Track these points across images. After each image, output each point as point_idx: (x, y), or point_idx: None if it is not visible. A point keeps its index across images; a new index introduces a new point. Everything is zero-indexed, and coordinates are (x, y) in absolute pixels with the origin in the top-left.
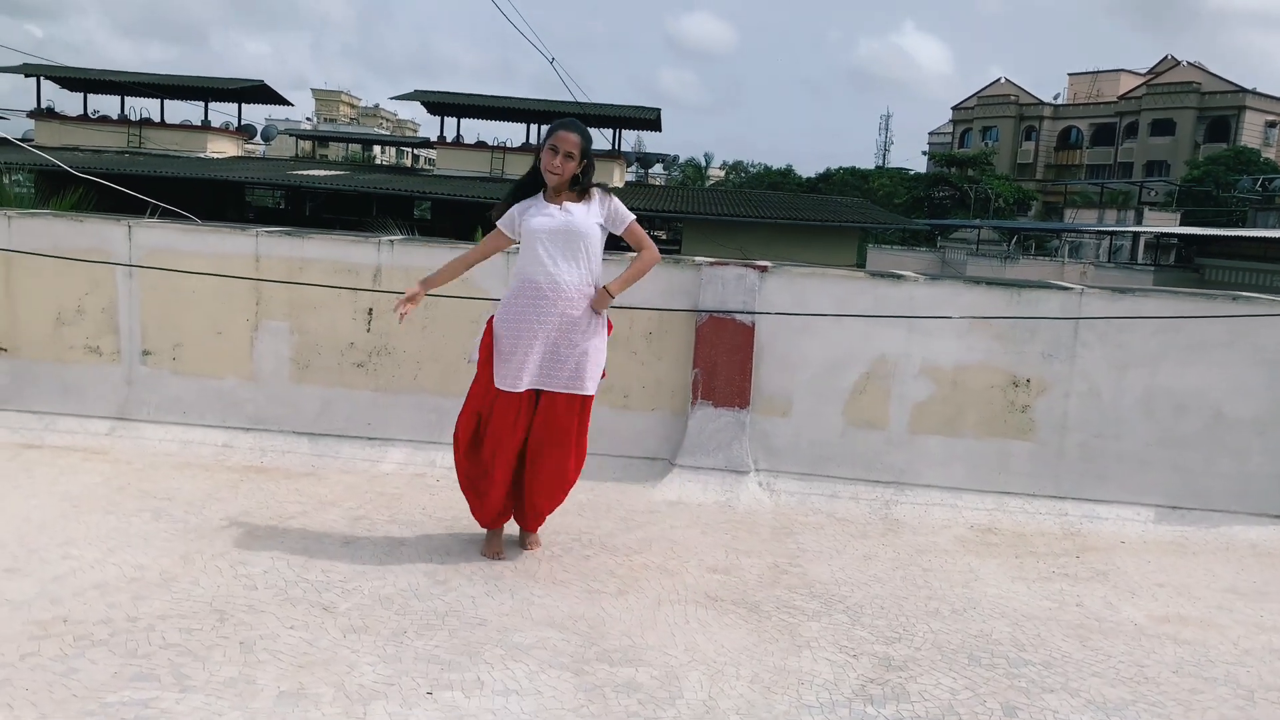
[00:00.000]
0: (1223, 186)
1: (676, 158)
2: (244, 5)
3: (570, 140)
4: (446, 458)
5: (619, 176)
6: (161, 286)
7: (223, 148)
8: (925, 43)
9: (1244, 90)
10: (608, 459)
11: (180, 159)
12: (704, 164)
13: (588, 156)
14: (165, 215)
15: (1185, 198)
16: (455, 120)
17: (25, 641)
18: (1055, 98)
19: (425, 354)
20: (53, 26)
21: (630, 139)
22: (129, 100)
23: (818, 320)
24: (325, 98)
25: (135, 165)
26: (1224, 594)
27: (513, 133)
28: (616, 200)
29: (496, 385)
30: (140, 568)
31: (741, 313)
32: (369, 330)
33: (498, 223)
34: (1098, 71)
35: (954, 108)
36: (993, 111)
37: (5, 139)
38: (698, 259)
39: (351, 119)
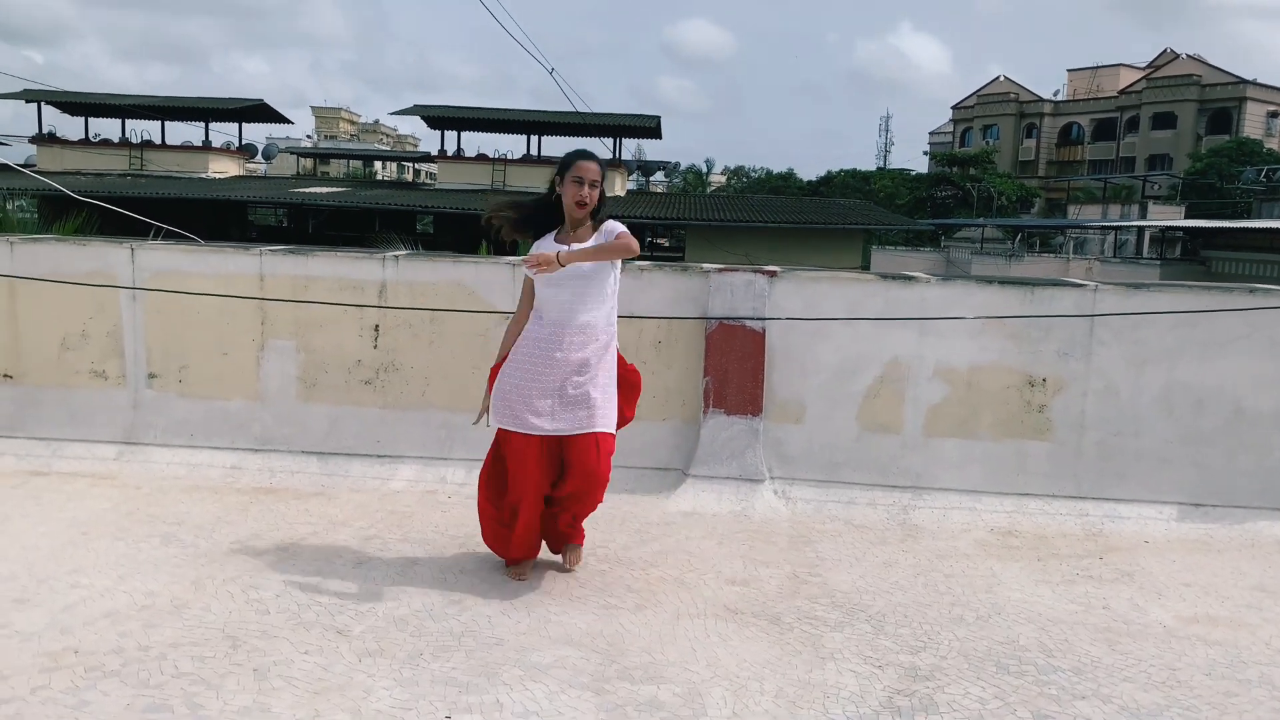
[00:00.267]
0: (1226, 178)
1: (677, 165)
2: (242, 25)
3: (593, 170)
4: (457, 474)
5: (620, 185)
6: (166, 308)
7: (224, 167)
8: (923, 43)
9: (1244, 81)
10: (619, 470)
11: (182, 180)
12: (705, 170)
13: (602, 189)
14: (168, 237)
15: (1189, 190)
16: (455, 134)
17: (36, 674)
18: (1055, 94)
19: (433, 370)
20: (52, 52)
21: (630, 147)
22: (130, 123)
23: (829, 324)
24: (325, 115)
25: (138, 187)
26: (1252, 592)
27: (513, 144)
28: (620, 226)
29: (492, 422)
30: (151, 595)
31: (751, 319)
32: (376, 347)
33: (526, 272)
34: (1097, 67)
35: (954, 107)
36: (993, 110)
37: (7, 165)
38: (705, 266)
39: (352, 135)
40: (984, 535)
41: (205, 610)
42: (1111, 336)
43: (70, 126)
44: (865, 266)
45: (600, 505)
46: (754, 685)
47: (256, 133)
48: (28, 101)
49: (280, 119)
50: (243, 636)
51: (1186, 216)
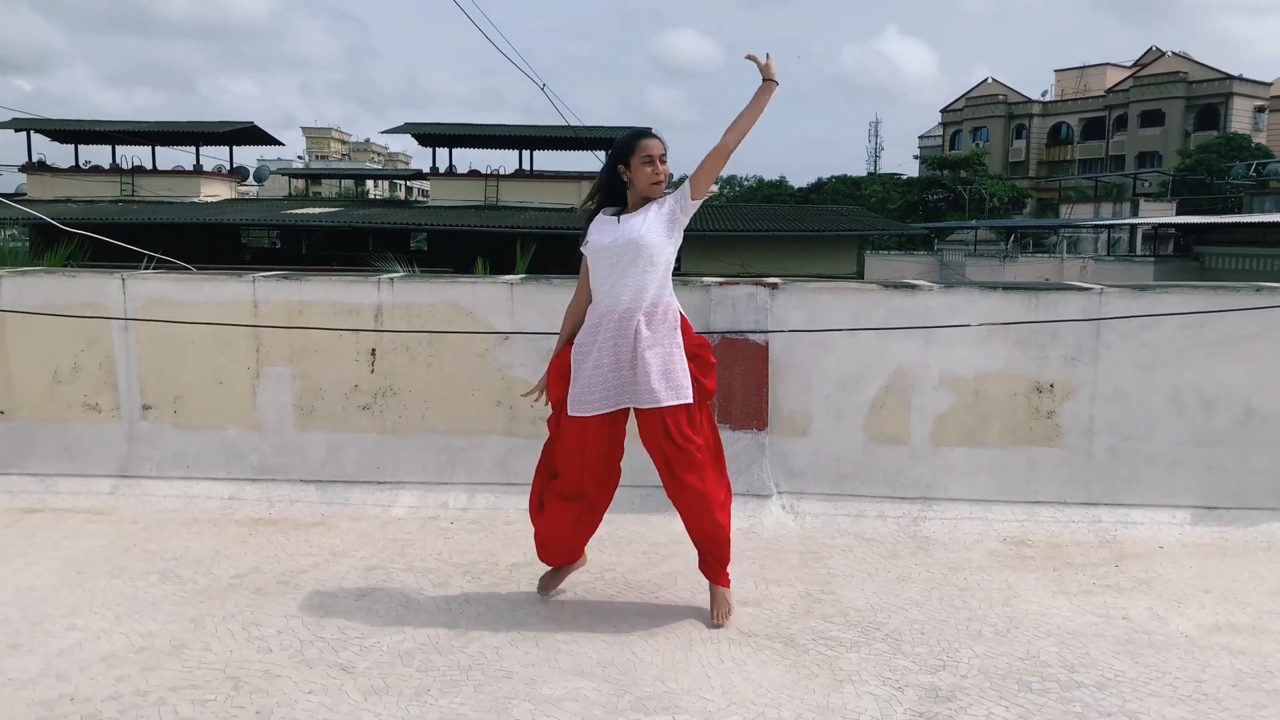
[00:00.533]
0: (1216, 174)
1: (671, 176)
2: (230, 48)
3: (659, 145)
4: (459, 499)
5: None
6: (159, 338)
7: (216, 191)
8: (908, 47)
9: (1230, 77)
10: (625, 489)
11: (174, 204)
12: None
13: None
14: (160, 265)
15: (1180, 187)
16: (447, 151)
17: None
18: (1043, 95)
19: (432, 393)
20: (41, 80)
21: None
22: (120, 149)
23: (832, 335)
24: (316, 135)
25: (129, 214)
26: (1273, 597)
27: (504, 160)
28: (670, 194)
29: (576, 414)
30: (149, 635)
31: (754, 332)
32: (373, 371)
33: (582, 250)
34: (1084, 66)
35: (943, 110)
36: (982, 112)
37: None
38: (706, 279)
39: (343, 155)
40: (997, 545)
41: (205, 650)
42: (1118, 339)
43: (60, 154)
44: (859, 272)
45: (606, 525)
46: (771, 712)
47: (247, 155)
48: (17, 130)
49: (271, 141)
50: (244, 677)
51: (1178, 213)
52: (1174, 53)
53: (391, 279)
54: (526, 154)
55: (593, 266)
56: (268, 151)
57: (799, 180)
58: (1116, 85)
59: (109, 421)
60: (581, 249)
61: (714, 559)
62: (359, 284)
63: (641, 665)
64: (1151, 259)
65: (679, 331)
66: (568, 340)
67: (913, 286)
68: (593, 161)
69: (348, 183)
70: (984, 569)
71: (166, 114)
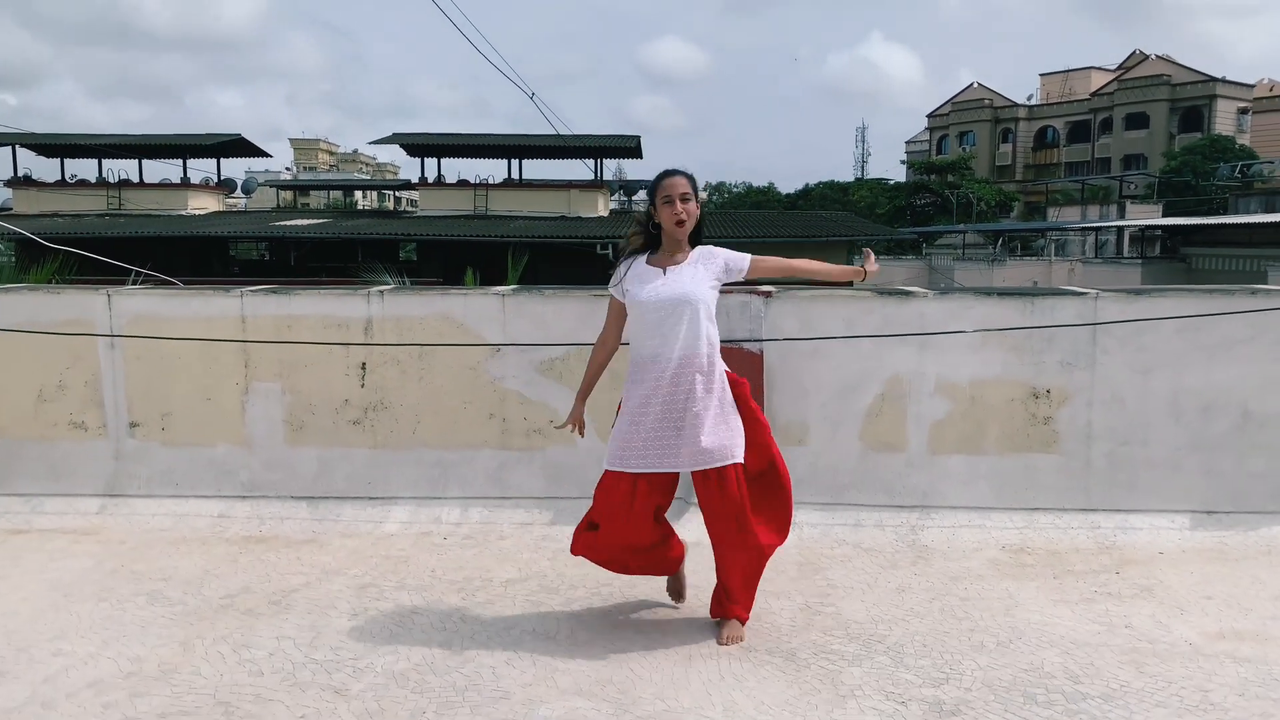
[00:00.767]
0: (1201, 175)
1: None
2: (216, 60)
3: (681, 184)
4: (452, 514)
5: (603, 206)
6: (146, 355)
7: (203, 203)
8: (894, 53)
9: (1213, 79)
10: None
11: (161, 218)
12: None
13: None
14: (148, 279)
15: (1165, 189)
16: (435, 160)
17: None
18: (1029, 99)
19: (424, 407)
20: (26, 95)
21: (612, 168)
22: (106, 162)
23: (827, 343)
24: (304, 146)
25: (116, 227)
26: (1275, 602)
27: (494, 169)
28: (724, 251)
29: (615, 468)
30: (137, 660)
31: (749, 341)
32: (363, 385)
33: (610, 292)
34: (1069, 70)
35: (929, 115)
36: (968, 116)
37: None
38: None
39: (331, 166)
40: (996, 554)
41: (195, 674)
42: (1115, 344)
43: (46, 168)
44: None
45: None
46: None
47: (235, 167)
48: (2, 145)
49: (258, 153)
50: (235, 701)
51: (1164, 215)
52: (1157, 55)
53: (382, 292)
54: (515, 163)
55: (638, 318)
56: (255, 163)
57: (788, 186)
58: (1101, 88)
59: (95, 440)
60: (612, 291)
61: (745, 598)
62: (348, 297)
63: (641, 683)
64: (1139, 261)
65: (728, 387)
66: (593, 380)
67: (907, 293)
68: (582, 170)
69: (336, 193)
70: (984, 578)
71: (153, 127)
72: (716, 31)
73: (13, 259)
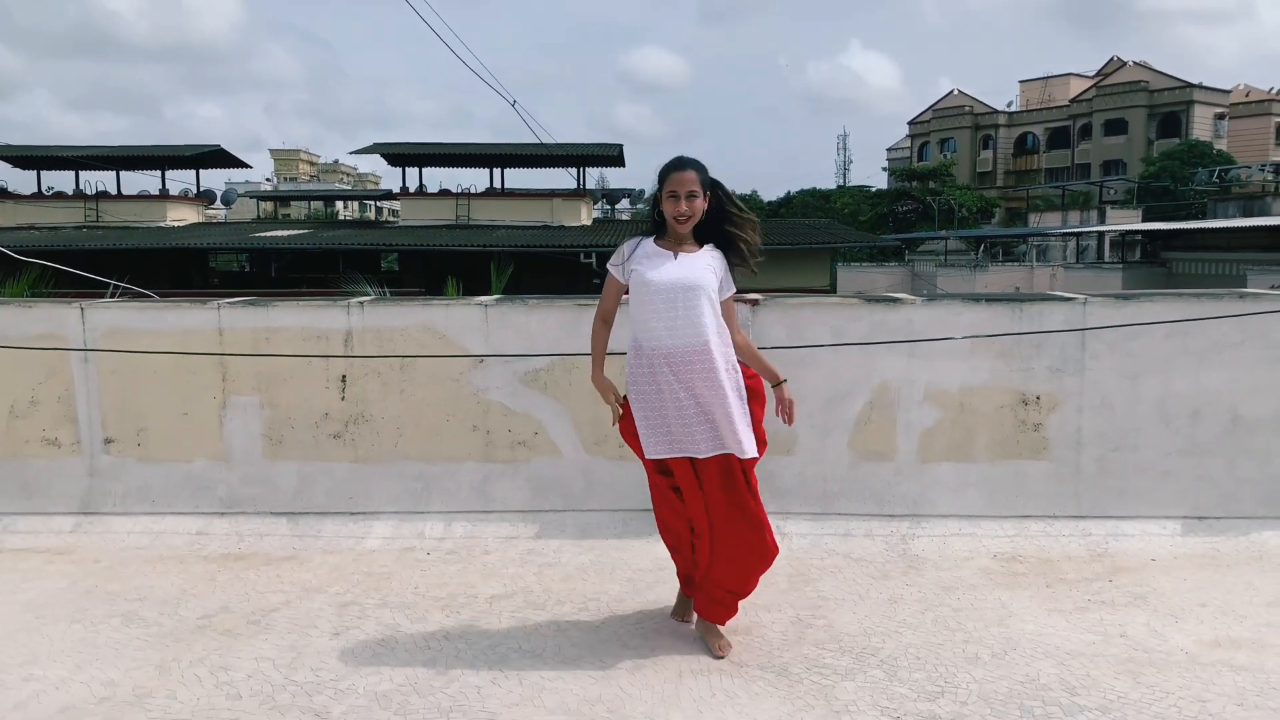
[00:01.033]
0: (1179, 181)
1: (642, 191)
2: (193, 71)
3: (689, 179)
4: (435, 528)
5: (586, 214)
6: (121, 369)
7: (183, 215)
8: (874, 61)
9: (1190, 85)
10: (605, 514)
11: (140, 230)
12: None
13: (711, 188)
14: (126, 292)
15: (1145, 194)
16: (417, 170)
17: None
18: (1009, 105)
19: (405, 419)
20: (0, 106)
21: (594, 176)
22: (84, 174)
23: (815, 351)
24: (284, 157)
25: (94, 240)
26: (1269, 609)
27: (476, 179)
28: (725, 265)
29: (648, 455)
30: (111, 684)
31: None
32: (344, 398)
33: (610, 268)
34: (1048, 77)
35: (910, 122)
36: (948, 123)
37: None
38: None
39: (312, 176)
40: (988, 562)
41: (171, 698)
42: (1104, 349)
43: (22, 180)
44: (832, 284)
45: (588, 552)
46: None
47: (214, 178)
48: None
49: (238, 164)
50: None
51: (1144, 220)
52: (1135, 62)
53: (362, 303)
54: (498, 172)
55: (643, 300)
56: (235, 174)
57: (771, 194)
58: (1080, 95)
59: (69, 456)
60: (612, 269)
61: (731, 602)
62: (328, 308)
63: (630, 701)
64: (1120, 265)
65: (739, 373)
66: (602, 352)
67: (895, 300)
68: (565, 178)
69: (317, 204)
70: (977, 588)
71: (131, 138)
72: (696, 40)
73: None
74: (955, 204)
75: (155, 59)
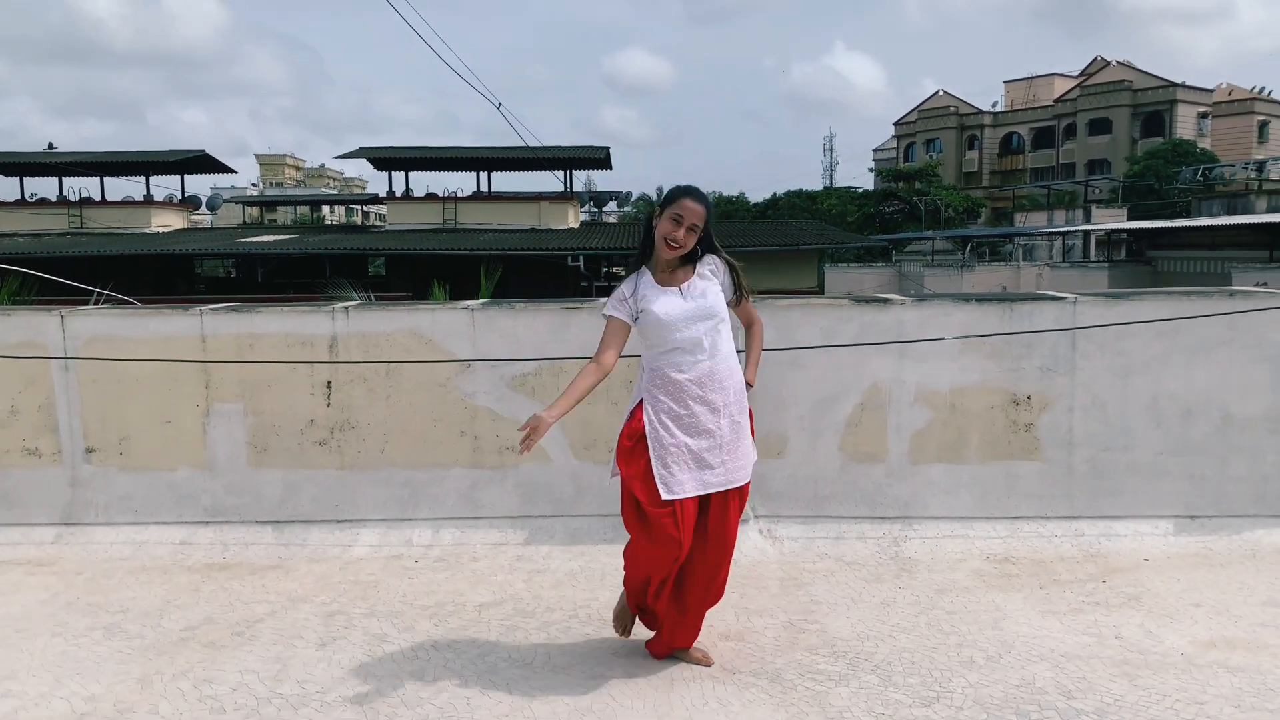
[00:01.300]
0: (1164, 179)
1: (629, 194)
2: (177, 76)
3: (697, 212)
4: (423, 535)
5: (573, 217)
6: (102, 377)
7: (168, 221)
8: (858, 63)
9: (1174, 84)
10: (596, 519)
11: (124, 236)
12: (656, 198)
13: (709, 230)
14: (110, 300)
15: (1129, 193)
16: (403, 174)
17: None
18: (994, 105)
19: (392, 425)
20: None
21: (581, 179)
22: (67, 181)
23: (805, 353)
24: (269, 162)
25: (78, 246)
26: (1263, 608)
27: (462, 182)
28: (727, 268)
29: (667, 496)
30: (92, 699)
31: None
32: (329, 405)
33: (613, 313)
34: (1032, 77)
35: (896, 123)
36: (934, 124)
37: None
38: None
39: (298, 181)
40: (980, 564)
41: (152, 713)
42: (1095, 349)
43: (5, 187)
44: (820, 286)
45: (578, 558)
46: None
47: (199, 184)
48: None
49: (223, 169)
50: None
51: (1129, 219)
52: (1118, 62)
53: (346, 308)
54: (484, 176)
55: (660, 333)
56: (221, 179)
57: (758, 196)
58: (1064, 95)
59: (50, 466)
60: (615, 313)
61: (698, 625)
62: (312, 314)
63: (622, 711)
64: (1106, 264)
65: (746, 404)
66: (577, 399)
67: (885, 300)
68: (551, 181)
69: (303, 209)
70: (970, 590)
71: (115, 144)
72: (682, 43)
73: None
74: (941, 204)
75: (139, 64)
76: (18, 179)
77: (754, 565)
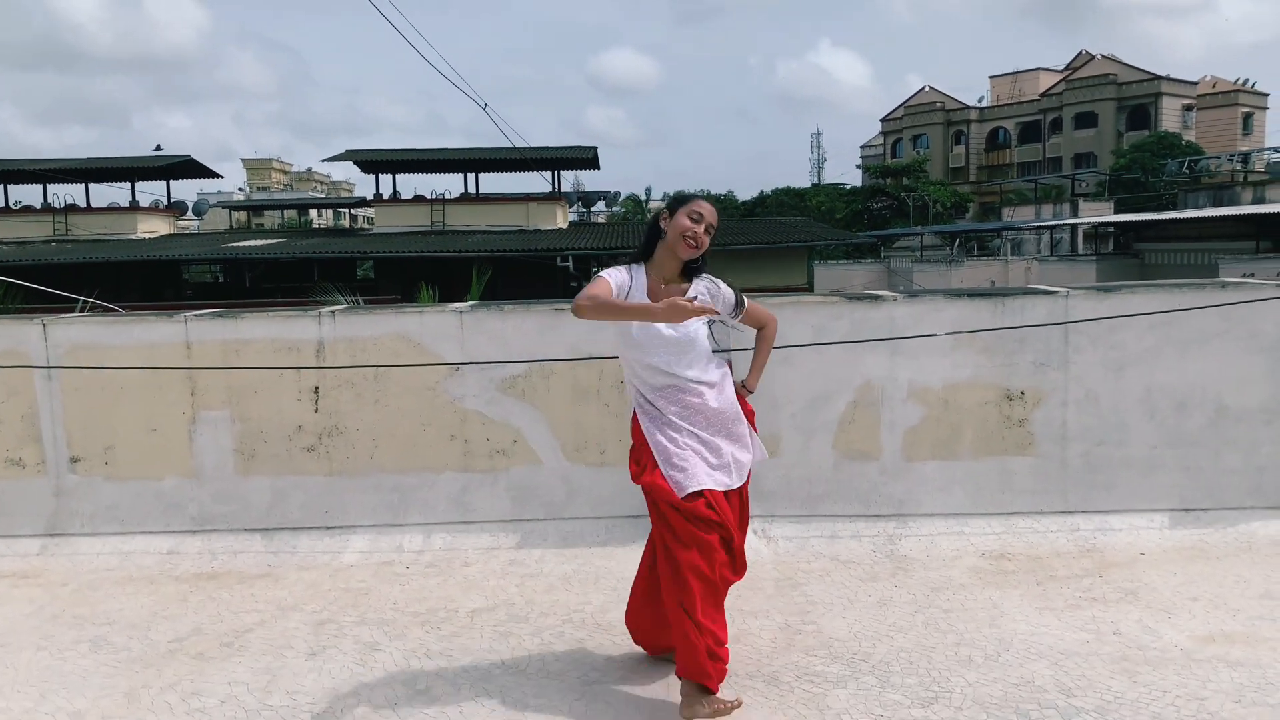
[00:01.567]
0: (1150, 172)
1: (617, 194)
2: (161, 82)
3: (713, 211)
4: (414, 541)
5: (562, 218)
6: (86, 386)
7: (154, 227)
8: (844, 60)
9: (1158, 78)
10: (588, 522)
11: (110, 242)
12: (644, 197)
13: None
14: (96, 307)
15: (1116, 186)
16: (390, 177)
17: None
18: (980, 101)
19: (380, 430)
20: None
21: (569, 179)
22: (51, 187)
23: (797, 351)
24: (256, 166)
25: (63, 254)
26: (1260, 601)
27: (450, 184)
28: (725, 286)
29: (694, 489)
30: (77, 714)
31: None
32: (317, 410)
33: (608, 276)
34: (1017, 72)
35: (883, 119)
36: (921, 120)
37: None
38: None
39: (285, 185)
40: (976, 561)
41: None
42: (1087, 343)
43: None
44: (810, 283)
45: (571, 561)
46: None
47: (186, 189)
48: None
49: (209, 174)
50: None
51: (1115, 211)
52: (1103, 55)
53: (333, 312)
54: (472, 177)
55: (645, 349)
56: (207, 184)
57: (746, 194)
58: (1050, 89)
59: (34, 477)
60: (612, 277)
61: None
62: (298, 319)
63: (618, 717)
64: (1094, 257)
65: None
66: (624, 310)
67: (876, 297)
68: (539, 182)
69: (291, 213)
70: (966, 587)
71: (99, 150)
72: (667, 42)
73: None
74: (929, 200)
75: (122, 70)
76: (1, 186)
77: (749, 566)
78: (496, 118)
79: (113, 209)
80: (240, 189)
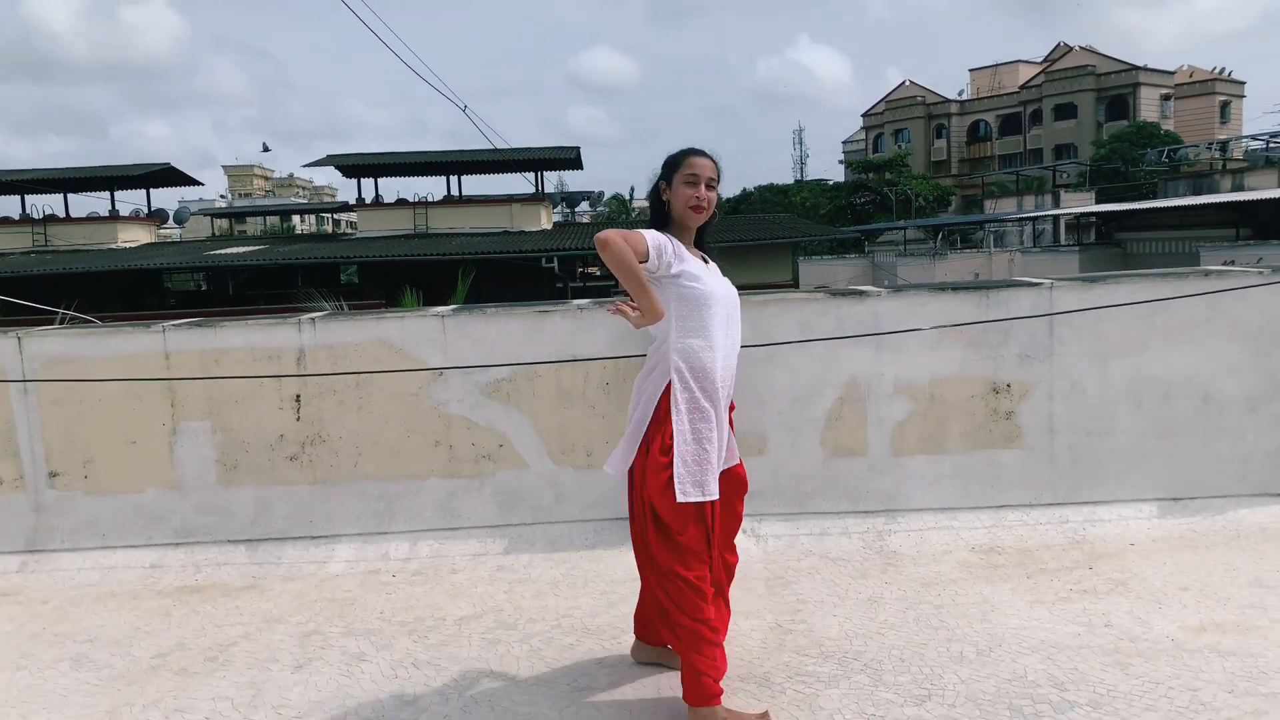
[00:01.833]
0: (1130, 162)
1: (601, 194)
2: (138, 90)
3: (709, 166)
4: (400, 549)
5: (546, 219)
6: (64, 399)
7: (135, 236)
8: (823, 55)
9: (1136, 68)
10: (576, 525)
11: (90, 252)
12: (628, 197)
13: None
14: (76, 319)
15: (1097, 176)
16: (373, 181)
17: None
18: (960, 94)
19: (364, 437)
20: None
21: (553, 180)
22: (30, 198)
23: (781, 348)
24: (237, 173)
25: (43, 265)
26: (1250, 589)
27: (433, 187)
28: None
29: (710, 496)
30: None
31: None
32: (299, 419)
33: (648, 238)
34: (997, 65)
35: (864, 115)
36: (902, 114)
37: None
38: None
39: (267, 191)
40: (966, 555)
41: None
42: (1072, 334)
43: None
44: (795, 278)
45: (559, 565)
46: None
47: (166, 198)
48: None
49: (190, 181)
50: None
51: (1097, 202)
52: (1081, 47)
53: (313, 319)
54: (455, 180)
55: (704, 311)
56: (188, 192)
57: (731, 191)
58: (1029, 81)
59: (12, 493)
60: (651, 238)
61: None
62: (278, 326)
63: None
64: (1076, 248)
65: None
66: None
67: (861, 293)
68: (522, 184)
69: (273, 219)
70: (957, 582)
71: (78, 160)
72: (646, 42)
73: None
74: (912, 194)
75: (99, 79)
76: None
77: (739, 565)
78: (477, 119)
79: (92, 219)
80: (222, 196)
